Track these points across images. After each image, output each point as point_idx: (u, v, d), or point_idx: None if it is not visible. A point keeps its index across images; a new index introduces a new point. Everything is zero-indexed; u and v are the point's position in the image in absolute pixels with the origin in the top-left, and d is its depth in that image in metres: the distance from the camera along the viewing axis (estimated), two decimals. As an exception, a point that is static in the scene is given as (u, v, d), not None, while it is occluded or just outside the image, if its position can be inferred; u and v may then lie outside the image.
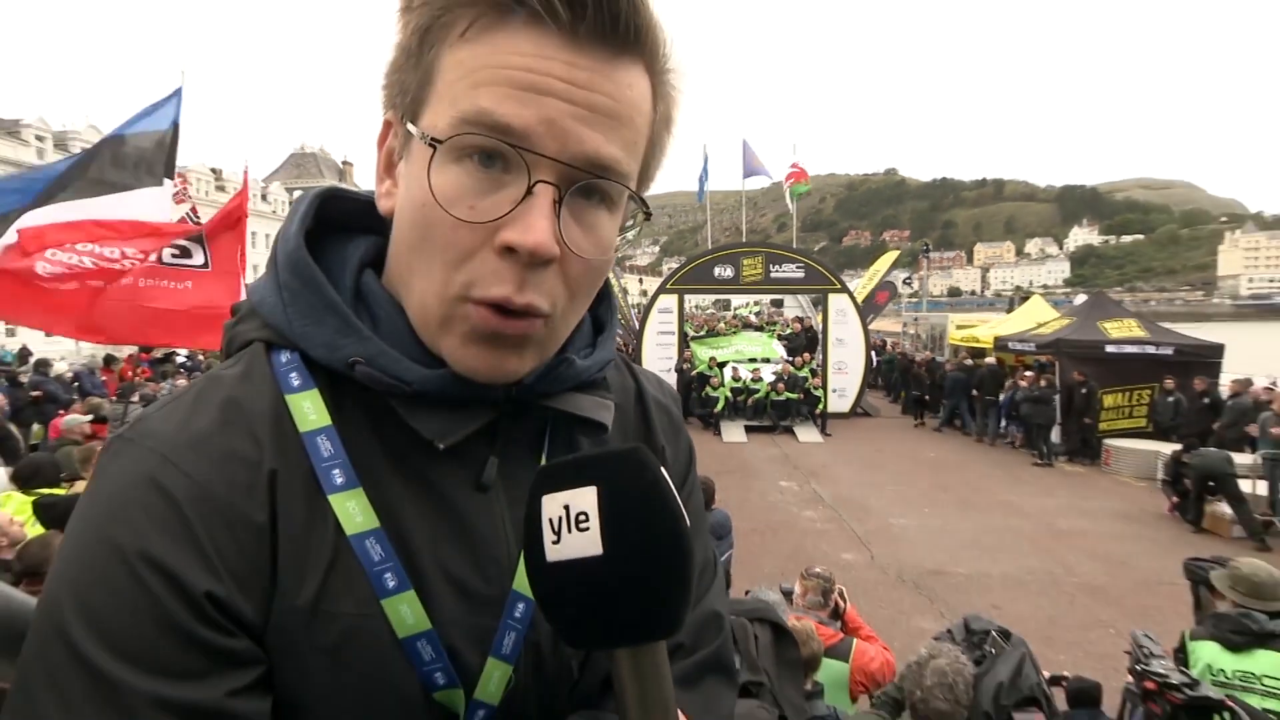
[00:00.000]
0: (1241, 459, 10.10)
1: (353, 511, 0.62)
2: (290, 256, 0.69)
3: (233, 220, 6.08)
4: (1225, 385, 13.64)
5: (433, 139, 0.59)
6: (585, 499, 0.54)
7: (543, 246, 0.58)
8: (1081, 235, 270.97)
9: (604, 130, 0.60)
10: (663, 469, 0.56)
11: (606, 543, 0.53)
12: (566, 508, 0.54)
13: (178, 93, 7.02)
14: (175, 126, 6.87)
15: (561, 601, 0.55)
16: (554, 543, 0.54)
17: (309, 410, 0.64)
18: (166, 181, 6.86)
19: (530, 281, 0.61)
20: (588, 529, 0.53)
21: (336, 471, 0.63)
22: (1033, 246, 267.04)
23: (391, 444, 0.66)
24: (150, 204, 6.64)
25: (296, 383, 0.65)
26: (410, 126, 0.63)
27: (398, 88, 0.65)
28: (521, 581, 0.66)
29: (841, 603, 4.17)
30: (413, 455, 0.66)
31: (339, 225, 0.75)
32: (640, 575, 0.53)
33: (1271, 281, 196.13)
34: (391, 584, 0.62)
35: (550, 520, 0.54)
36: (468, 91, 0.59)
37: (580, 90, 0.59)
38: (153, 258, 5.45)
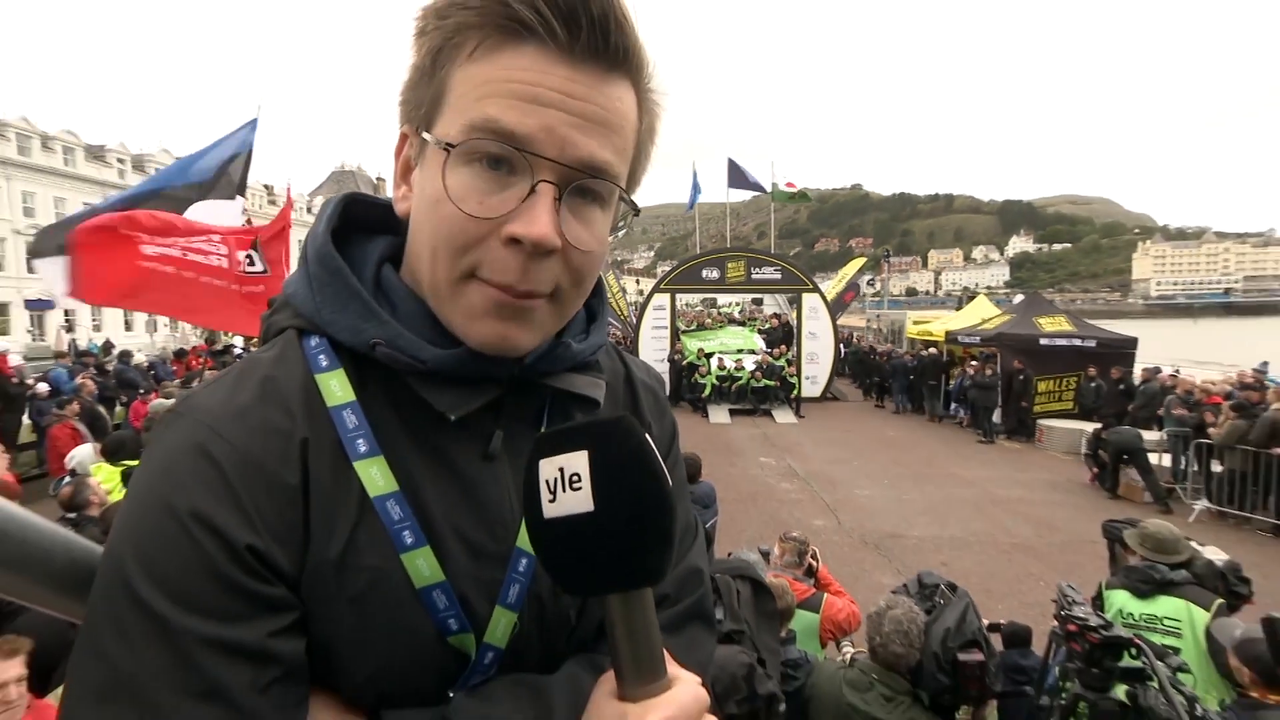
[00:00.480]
0: (1150, 435, 10.20)
1: (375, 476, 0.61)
2: (319, 252, 0.68)
3: (279, 230, 6.11)
4: (1138, 373, 13.81)
5: (446, 144, 0.59)
6: (578, 462, 0.52)
7: (546, 238, 0.58)
8: (1019, 243, 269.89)
9: (597, 137, 0.59)
10: (647, 437, 0.54)
11: (597, 500, 0.52)
12: (561, 470, 0.53)
13: (253, 123, 6.98)
14: (249, 151, 6.84)
15: (558, 553, 0.54)
16: (550, 501, 0.53)
17: (335, 388, 0.63)
18: (238, 198, 6.81)
19: (532, 270, 0.60)
20: (580, 488, 0.52)
21: (360, 441, 0.61)
22: (978, 253, 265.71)
23: (408, 417, 0.65)
24: (223, 215, 6.62)
25: (325, 363, 0.64)
26: (425, 135, 0.62)
27: (413, 103, 0.64)
28: (524, 540, 0.65)
29: (814, 563, 4.15)
30: (427, 428, 0.65)
31: (361, 227, 0.74)
32: (627, 529, 0.52)
33: (1176, 284, 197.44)
34: (409, 540, 0.61)
35: (547, 481, 0.53)
36: (476, 103, 0.58)
37: (576, 101, 0.58)
38: (242, 267, 5.49)
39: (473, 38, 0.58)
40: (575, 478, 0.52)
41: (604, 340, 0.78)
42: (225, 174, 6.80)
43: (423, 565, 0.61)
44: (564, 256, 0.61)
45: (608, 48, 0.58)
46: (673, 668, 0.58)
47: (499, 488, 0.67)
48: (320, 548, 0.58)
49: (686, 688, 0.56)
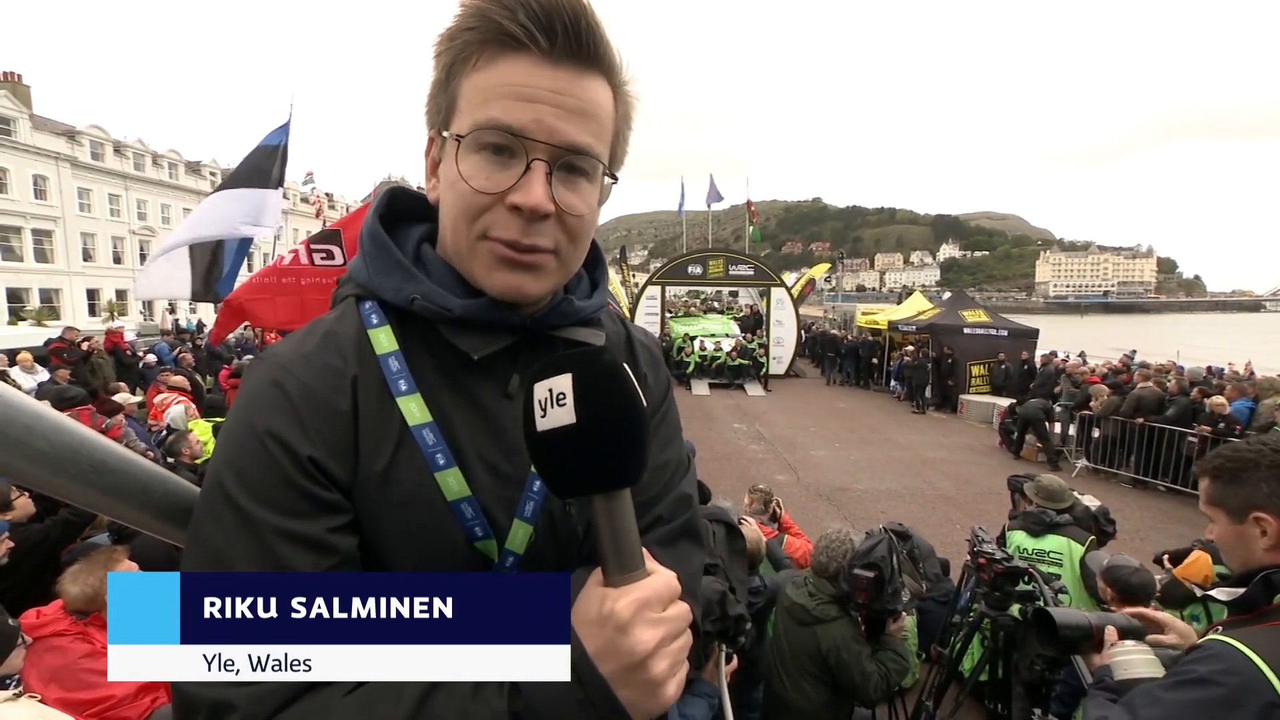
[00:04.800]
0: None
1: (413, 409, 0.62)
2: (370, 231, 0.69)
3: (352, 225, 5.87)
4: (1039, 357, 13.87)
5: (457, 135, 0.60)
6: (563, 383, 0.51)
7: (540, 204, 0.59)
8: (948, 250, 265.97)
9: (577, 124, 0.60)
10: (623, 365, 0.53)
11: (579, 414, 0.50)
12: (550, 390, 0.52)
13: (286, 124, 6.58)
14: (284, 147, 6.41)
15: (549, 460, 0.53)
16: (542, 417, 0.52)
17: (383, 339, 0.64)
18: (278, 190, 6.38)
19: (531, 230, 0.60)
20: (565, 405, 0.51)
21: (402, 381, 0.62)
22: (915, 257, 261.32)
23: (442, 363, 0.65)
24: (268, 203, 6.24)
25: (375, 321, 0.65)
26: (444, 133, 0.63)
27: (435, 109, 0.64)
28: None
29: (778, 510, 4.19)
30: (458, 372, 0.65)
31: (405, 214, 0.74)
32: (604, 437, 0.51)
33: (1068, 287, 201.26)
34: (441, 461, 0.61)
35: (539, 400, 0.52)
36: (481, 105, 0.59)
37: (559, 96, 0.59)
38: (303, 259, 5.26)
39: (475, 52, 0.59)
40: (561, 396, 0.51)
41: (604, 302, 0.76)
42: (258, 167, 6.26)
43: (452, 482, 0.61)
44: (560, 220, 0.61)
45: (581, 50, 0.59)
46: (650, 563, 0.56)
47: (517, 421, 0.63)
48: (368, 463, 0.60)
49: (660, 577, 0.55)
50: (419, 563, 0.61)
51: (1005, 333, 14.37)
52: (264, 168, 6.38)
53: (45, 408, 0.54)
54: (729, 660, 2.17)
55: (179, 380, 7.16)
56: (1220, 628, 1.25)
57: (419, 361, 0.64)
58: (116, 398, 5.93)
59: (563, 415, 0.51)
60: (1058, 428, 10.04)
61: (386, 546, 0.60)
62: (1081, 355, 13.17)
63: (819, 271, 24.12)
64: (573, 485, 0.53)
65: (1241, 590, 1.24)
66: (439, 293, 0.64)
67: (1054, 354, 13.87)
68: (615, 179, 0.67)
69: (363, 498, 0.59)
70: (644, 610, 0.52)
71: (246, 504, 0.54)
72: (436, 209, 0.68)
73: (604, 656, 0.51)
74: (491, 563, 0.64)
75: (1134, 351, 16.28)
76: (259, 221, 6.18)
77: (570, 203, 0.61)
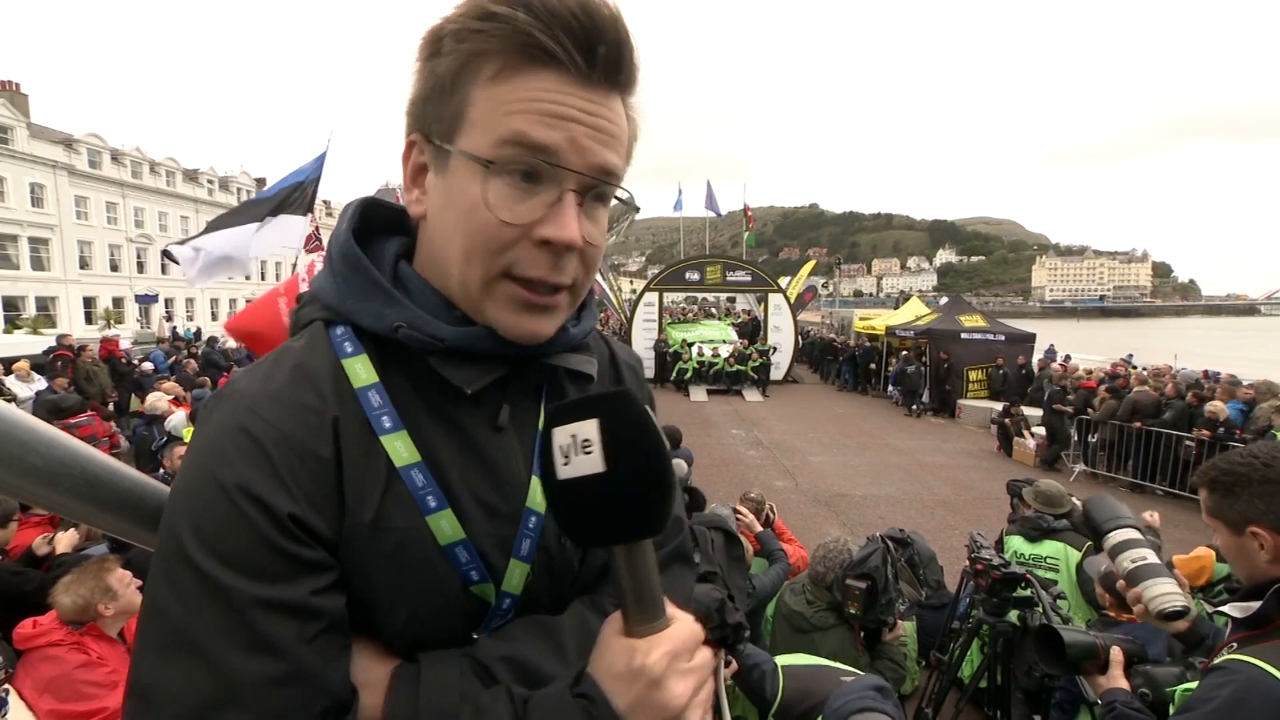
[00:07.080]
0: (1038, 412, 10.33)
1: (399, 449, 0.57)
2: (343, 249, 0.62)
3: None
4: (1035, 361, 13.97)
5: (485, 160, 0.54)
6: (589, 429, 0.49)
7: (575, 239, 0.56)
8: (944, 255, 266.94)
9: (609, 146, 0.57)
10: (648, 408, 0.51)
11: (607, 462, 0.48)
12: (574, 436, 0.49)
13: (323, 155, 6.93)
14: (318, 177, 6.79)
15: (572, 511, 0.50)
16: (564, 464, 0.49)
17: (360, 371, 0.58)
18: (309, 215, 6.79)
19: (560, 266, 0.57)
20: (592, 452, 0.48)
21: (385, 418, 0.57)
22: (912, 262, 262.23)
23: (427, 395, 0.60)
24: (295, 228, 6.67)
25: (349, 349, 0.59)
26: (448, 146, 0.56)
27: (430, 116, 0.58)
28: (533, 500, 0.62)
29: (771, 514, 4.12)
30: (444, 403, 0.60)
31: (378, 228, 0.68)
32: (634, 486, 0.49)
33: (1064, 291, 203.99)
34: (433, 504, 0.57)
35: (560, 447, 0.50)
36: (504, 119, 0.54)
37: (593, 118, 0.55)
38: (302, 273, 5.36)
39: (494, 60, 0.54)
40: (587, 443, 0.49)
41: (593, 326, 0.73)
42: (299, 195, 6.79)
43: (445, 525, 0.57)
44: (581, 252, 0.59)
45: (619, 74, 0.57)
46: (670, 608, 0.54)
47: (508, 455, 0.63)
48: (354, 513, 0.54)
49: (684, 625, 0.54)
50: (413, 614, 0.57)
51: (1002, 337, 14.41)
52: (303, 198, 6.80)
53: (38, 422, 0.54)
54: (727, 664, 2.17)
55: (171, 387, 7.19)
56: (1235, 643, 1.24)
57: (400, 394, 0.59)
58: (147, 401, 5.99)
59: (589, 464, 0.48)
60: (1043, 431, 10.07)
61: (378, 600, 0.56)
62: (1140, 363, 13.09)
63: (806, 270, 24.04)
64: (596, 536, 0.51)
65: (1254, 604, 1.22)
66: (426, 319, 0.59)
67: (1051, 358, 13.90)
68: (637, 208, 0.64)
69: (350, 551, 0.54)
70: (675, 662, 0.51)
71: (214, 570, 0.48)
72: (413, 222, 0.63)
73: (638, 711, 0.50)
74: (488, 606, 0.60)
75: (1130, 355, 16.36)
76: (290, 244, 6.67)
77: (593, 235, 0.58)
